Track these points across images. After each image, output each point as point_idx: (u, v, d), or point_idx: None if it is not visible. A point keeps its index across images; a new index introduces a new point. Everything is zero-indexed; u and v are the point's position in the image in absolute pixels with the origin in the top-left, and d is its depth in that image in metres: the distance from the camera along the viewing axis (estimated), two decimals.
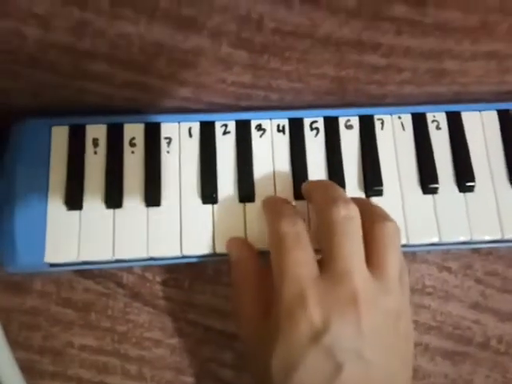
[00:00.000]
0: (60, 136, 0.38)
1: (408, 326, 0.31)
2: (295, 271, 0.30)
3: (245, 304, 0.33)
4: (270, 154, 0.39)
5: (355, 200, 0.32)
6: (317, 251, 0.32)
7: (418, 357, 0.39)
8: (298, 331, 0.28)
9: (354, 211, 0.31)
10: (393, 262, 0.31)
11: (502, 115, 0.40)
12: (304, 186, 0.36)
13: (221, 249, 0.37)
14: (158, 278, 0.40)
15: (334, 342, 0.28)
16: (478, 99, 0.40)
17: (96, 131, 0.38)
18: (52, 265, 0.37)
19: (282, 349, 0.29)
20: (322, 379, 0.28)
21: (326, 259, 0.30)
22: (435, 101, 0.40)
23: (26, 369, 0.37)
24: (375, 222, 0.31)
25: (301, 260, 0.30)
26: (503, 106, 0.41)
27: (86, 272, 0.39)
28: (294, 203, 0.38)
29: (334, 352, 0.28)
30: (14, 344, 0.37)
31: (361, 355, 0.28)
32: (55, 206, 0.37)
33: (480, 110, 0.41)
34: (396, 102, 0.40)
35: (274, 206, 0.35)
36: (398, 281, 0.31)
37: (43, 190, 0.37)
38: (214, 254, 0.37)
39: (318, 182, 0.36)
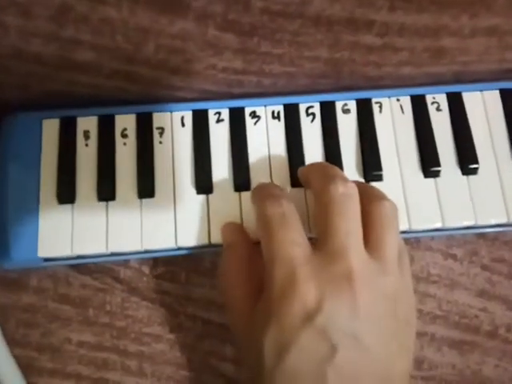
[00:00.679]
0: (51, 129, 0.38)
1: (408, 311, 0.30)
2: (285, 251, 0.29)
3: (234, 288, 0.32)
4: (266, 141, 0.38)
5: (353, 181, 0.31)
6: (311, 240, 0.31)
7: (424, 347, 0.38)
8: (290, 311, 0.27)
9: (352, 189, 0.30)
10: (391, 242, 0.30)
11: (505, 94, 0.39)
12: (300, 170, 0.36)
13: (216, 239, 0.36)
14: (155, 272, 0.39)
15: (328, 321, 0.27)
16: (479, 79, 0.39)
17: (87, 123, 0.38)
18: (46, 259, 0.36)
19: (274, 330, 0.28)
20: (316, 361, 0.27)
21: (321, 238, 0.29)
22: (435, 82, 0.39)
23: (24, 366, 0.37)
24: (372, 201, 0.30)
25: (290, 239, 0.29)
26: (506, 85, 0.39)
27: (83, 267, 0.39)
28: (289, 190, 0.37)
29: (328, 333, 0.27)
30: (12, 341, 0.37)
31: (356, 336, 0.27)
32: (47, 200, 0.36)
33: (481, 90, 0.39)
34: (394, 84, 0.39)
35: (259, 191, 0.34)
36: (396, 262, 0.30)
37: (35, 185, 0.37)
38: (209, 245, 0.36)
39: (314, 164, 0.35)
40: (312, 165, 0.36)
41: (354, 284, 0.27)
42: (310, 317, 0.27)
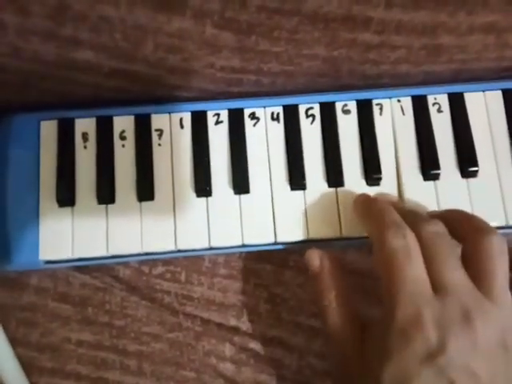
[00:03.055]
0: (49, 131, 0.38)
1: None
2: (410, 290, 0.29)
3: (338, 323, 0.32)
4: (265, 143, 0.38)
5: (446, 213, 0.33)
6: None
7: None
8: (413, 350, 0.27)
9: (439, 227, 0.31)
10: (502, 278, 0.30)
11: (507, 95, 0.39)
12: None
13: (215, 242, 0.36)
14: (155, 272, 0.39)
15: (449, 361, 0.27)
16: (478, 77, 0.39)
17: (85, 125, 0.38)
18: (47, 262, 0.36)
19: (394, 367, 0.28)
20: None
21: (432, 276, 0.29)
22: (435, 80, 0.39)
23: (24, 366, 0.37)
24: (476, 238, 0.30)
25: (414, 278, 0.29)
26: (508, 84, 0.39)
27: (82, 267, 0.39)
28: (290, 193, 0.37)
29: (448, 371, 0.27)
30: (12, 341, 0.37)
31: (473, 371, 0.27)
32: (47, 203, 0.36)
33: (483, 90, 0.39)
34: (393, 83, 0.39)
35: (375, 214, 0.33)
36: (505, 294, 0.30)
37: (35, 187, 0.37)
38: (209, 248, 0.37)
39: (398, 207, 0.34)
40: (395, 208, 0.34)
41: (473, 324, 0.28)
42: (432, 356, 0.27)
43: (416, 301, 0.28)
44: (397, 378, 0.28)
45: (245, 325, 0.38)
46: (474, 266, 0.30)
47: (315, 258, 0.34)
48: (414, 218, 0.32)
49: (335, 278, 0.33)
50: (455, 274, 0.29)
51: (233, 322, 0.38)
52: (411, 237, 0.30)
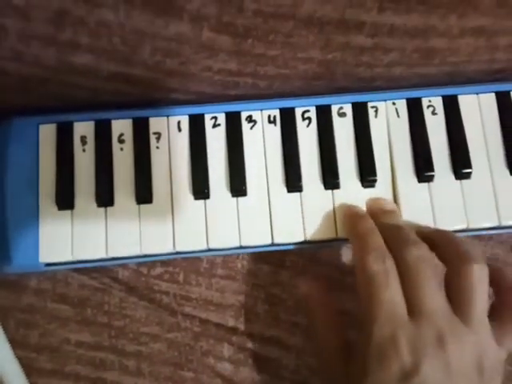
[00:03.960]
0: (48, 134, 0.38)
1: (494, 365, 0.30)
2: (386, 312, 0.30)
3: (325, 345, 0.34)
4: (262, 145, 0.38)
5: (435, 233, 0.34)
6: None
7: None
8: (388, 371, 0.28)
9: (425, 251, 0.31)
10: (480, 306, 0.30)
11: (501, 98, 0.39)
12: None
13: (213, 244, 0.37)
14: (153, 272, 0.39)
15: (423, 382, 0.28)
16: (471, 79, 0.40)
17: (84, 128, 0.38)
18: (47, 264, 0.37)
19: None
20: None
21: (409, 300, 0.30)
22: (429, 83, 0.40)
23: (24, 367, 0.38)
24: (457, 265, 0.31)
25: (391, 300, 0.30)
26: (501, 87, 0.40)
27: (81, 268, 0.39)
28: (287, 195, 0.38)
29: None
30: (11, 342, 0.38)
31: None
32: (47, 206, 0.37)
33: (477, 93, 0.39)
34: (387, 86, 0.39)
35: (360, 235, 0.34)
36: (483, 322, 0.30)
37: (34, 190, 0.37)
38: (207, 250, 0.37)
39: (385, 225, 0.35)
40: (382, 225, 0.35)
41: (447, 348, 0.28)
42: (406, 378, 0.28)
43: (392, 323, 0.30)
44: None
45: (243, 325, 0.39)
46: (454, 291, 0.31)
47: (304, 287, 0.35)
48: (399, 239, 0.32)
49: (323, 306, 0.34)
50: (433, 299, 0.30)
51: (231, 322, 0.39)
52: (390, 262, 0.31)
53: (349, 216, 0.36)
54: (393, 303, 0.30)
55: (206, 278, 0.39)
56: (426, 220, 0.37)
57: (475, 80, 0.40)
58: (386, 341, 0.29)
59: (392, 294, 0.30)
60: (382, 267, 0.31)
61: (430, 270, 0.31)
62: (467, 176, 0.38)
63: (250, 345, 0.38)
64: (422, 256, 0.31)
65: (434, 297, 0.30)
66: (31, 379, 0.37)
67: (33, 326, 0.38)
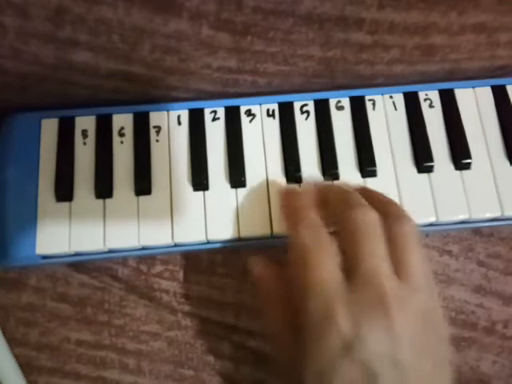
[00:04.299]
0: (50, 129, 0.38)
1: (439, 324, 0.30)
2: (318, 282, 0.28)
3: (272, 323, 0.32)
4: (261, 138, 0.39)
5: (367, 193, 0.33)
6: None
7: None
8: (328, 343, 0.27)
9: (373, 215, 0.30)
10: (416, 261, 0.30)
11: (496, 91, 0.40)
12: (319, 188, 0.35)
13: (213, 236, 0.36)
14: (153, 271, 0.39)
15: (366, 350, 0.26)
16: (471, 77, 0.39)
17: (85, 122, 0.38)
18: (44, 257, 0.36)
19: (314, 362, 0.27)
20: None
21: (349, 263, 0.29)
22: (429, 81, 0.40)
23: (23, 365, 0.37)
24: (392, 223, 0.30)
25: (323, 268, 0.29)
26: (497, 81, 0.40)
27: (81, 266, 0.39)
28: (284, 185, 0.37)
29: (368, 361, 0.26)
30: (11, 341, 0.37)
31: (395, 361, 0.27)
32: (45, 198, 0.37)
33: (474, 87, 0.40)
34: (388, 83, 0.39)
35: (292, 210, 0.33)
36: (423, 279, 0.29)
37: (34, 183, 0.37)
38: (206, 242, 0.37)
39: (334, 188, 0.35)
40: (331, 188, 0.35)
41: (388, 308, 0.27)
42: (348, 346, 0.26)
43: (326, 291, 0.28)
44: (318, 374, 0.27)
45: (243, 323, 0.38)
46: (393, 251, 0.30)
47: (257, 265, 0.35)
48: (345, 202, 0.31)
49: (275, 284, 0.33)
50: (376, 263, 0.29)
51: (231, 320, 0.38)
52: (323, 233, 0.30)
53: (282, 193, 0.36)
54: (325, 271, 0.29)
55: (206, 276, 0.39)
56: (426, 211, 0.37)
57: (476, 78, 0.40)
58: (321, 313, 0.27)
59: (324, 261, 0.29)
60: (314, 233, 0.30)
61: (371, 233, 0.30)
62: (467, 166, 0.38)
63: (250, 343, 0.38)
64: (364, 219, 0.30)
65: (373, 257, 0.29)
66: (31, 378, 0.37)
67: (33, 325, 0.38)
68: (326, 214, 0.32)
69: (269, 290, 0.33)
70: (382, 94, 0.40)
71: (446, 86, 0.40)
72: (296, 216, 0.32)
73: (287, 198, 0.35)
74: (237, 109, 0.39)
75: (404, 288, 0.28)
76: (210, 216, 0.37)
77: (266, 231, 0.37)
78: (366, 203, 0.31)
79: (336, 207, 0.32)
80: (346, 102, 0.39)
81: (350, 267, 0.29)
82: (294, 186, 0.37)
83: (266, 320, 0.33)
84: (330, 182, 0.37)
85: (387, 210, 0.32)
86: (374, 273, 0.28)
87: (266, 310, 0.33)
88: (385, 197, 0.34)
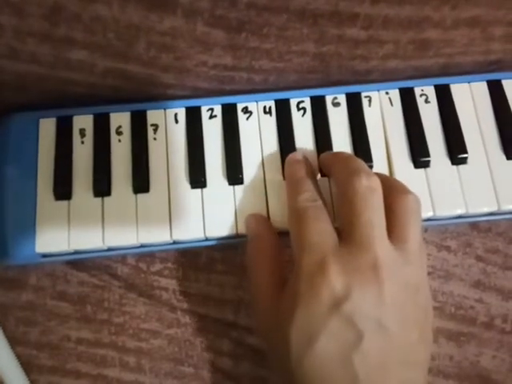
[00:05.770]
0: (47, 128, 0.38)
1: (427, 300, 0.31)
2: (315, 240, 0.29)
3: (260, 278, 0.33)
4: (258, 136, 0.39)
5: (375, 173, 0.32)
6: (337, 230, 0.31)
7: None
8: (318, 299, 0.28)
9: (375, 182, 0.30)
10: (414, 234, 0.30)
11: (492, 85, 0.40)
12: (322, 157, 0.36)
13: (211, 233, 0.37)
14: (152, 269, 0.39)
15: (355, 309, 0.27)
16: (467, 71, 0.40)
17: (83, 121, 0.39)
18: (44, 255, 0.37)
19: (301, 318, 0.28)
20: (343, 348, 0.27)
21: (346, 229, 0.30)
22: (424, 76, 0.40)
23: (24, 364, 0.38)
24: (397, 195, 0.31)
25: (320, 230, 0.30)
26: (493, 76, 0.40)
27: (80, 265, 0.39)
28: (283, 182, 0.37)
29: (355, 320, 0.27)
30: (11, 340, 0.38)
31: (381, 324, 0.27)
32: (44, 196, 0.37)
33: (469, 82, 0.40)
34: (383, 79, 0.39)
35: (294, 180, 0.34)
36: (418, 253, 0.30)
37: (32, 182, 0.37)
38: (204, 239, 0.37)
39: (338, 155, 0.36)
40: (335, 155, 0.36)
41: (379, 273, 0.28)
42: (337, 304, 0.27)
43: (322, 250, 0.29)
44: (304, 329, 0.28)
45: (242, 320, 0.39)
46: (392, 221, 0.30)
47: (253, 222, 0.36)
48: (350, 169, 0.32)
49: (268, 241, 0.34)
50: (373, 229, 0.29)
51: (230, 317, 0.39)
52: (320, 201, 0.32)
53: (287, 162, 0.36)
54: (323, 231, 0.30)
55: (205, 274, 0.39)
56: (424, 205, 0.36)
57: (471, 72, 0.40)
58: (315, 268, 0.28)
59: (321, 223, 0.30)
60: (312, 204, 0.31)
61: (375, 200, 0.30)
62: (463, 161, 0.38)
63: (249, 340, 0.38)
64: (371, 185, 0.30)
65: (371, 224, 0.29)
66: (32, 376, 0.37)
67: (33, 324, 0.38)
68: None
69: (260, 247, 0.34)
70: (378, 90, 0.40)
71: (441, 81, 0.40)
72: (298, 183, 0.33)
73: (291, 168, 0.36)
74: (233, 106, 0.39)
75: (398, 258, 0.29)
76: (208, 213, 0.37)
77: None
78: (370, 170, 0.32)
79: (340, 172, 0.33)
80: (342, 99, 0.40)
81: (347, 231, 0.30)
82: (300, 153, 0.37)
83: (253, 276, 0.33)
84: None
85: (392, 184, 0.32)
86: (369, 238, 0.29)
87: (255, 266, 0.33)
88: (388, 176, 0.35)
